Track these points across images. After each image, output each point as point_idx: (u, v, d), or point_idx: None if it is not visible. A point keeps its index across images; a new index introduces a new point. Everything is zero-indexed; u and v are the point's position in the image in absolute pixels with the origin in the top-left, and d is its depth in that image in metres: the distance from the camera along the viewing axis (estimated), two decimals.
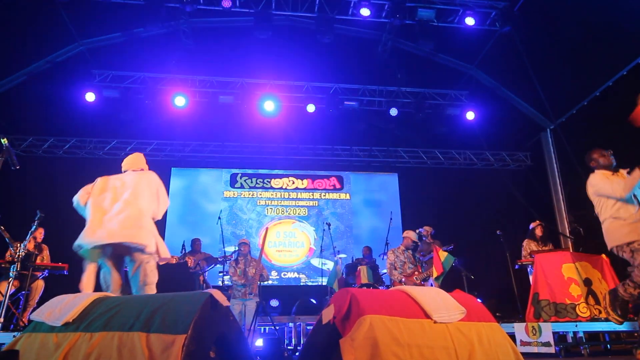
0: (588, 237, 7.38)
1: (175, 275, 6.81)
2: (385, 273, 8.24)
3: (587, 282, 5.70)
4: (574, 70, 8.90)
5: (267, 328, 7.64)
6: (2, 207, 4.87)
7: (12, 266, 4.08)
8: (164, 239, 9.70)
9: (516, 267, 7.16)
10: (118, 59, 9.57)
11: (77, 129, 9.90)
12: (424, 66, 10.36)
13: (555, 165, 10.44)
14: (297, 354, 6.73)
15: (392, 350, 1.91)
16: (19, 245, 4.32)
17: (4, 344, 3.87)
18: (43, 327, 2.28)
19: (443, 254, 6.18)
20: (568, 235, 9.09)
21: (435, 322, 2.13)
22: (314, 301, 8.57)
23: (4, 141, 3.11)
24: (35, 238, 6.26)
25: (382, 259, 8.28)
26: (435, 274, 6.14)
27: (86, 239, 3.43)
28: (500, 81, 10.39)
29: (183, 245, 7.83)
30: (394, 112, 9.98)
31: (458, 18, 8.52)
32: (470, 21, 8.39)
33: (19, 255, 4.17)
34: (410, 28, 8.62)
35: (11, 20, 7.89)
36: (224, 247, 7.97)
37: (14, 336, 4.60)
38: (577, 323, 5.26)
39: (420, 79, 10.34)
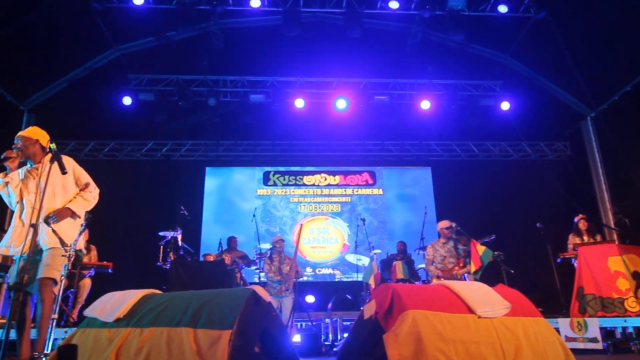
0: (635, 229, 7.09)
1: (213, 272, 6.94)
2: (421, 268, 8.16)
3: (636, 276, 5.47)
4: (615, 55, 8.52)
5: (303, 324, 7.70)
6: None
7: (65, 265, 4.25)
8: (200, 237, 10.04)
9: (558, 260, 6.96)
10: (152, 63, 9.80)
11: (115, 132, 10.22)
12: (455, 57, 10.15)
13: (597, 155, 10.04)
14: (334, 349, 6.78)
15: (437, 345, 1.89)
16: (69, 246, 4.50)
17: (57, 339, 4.04)
18: (96, 323, 2.39)
19: (481, 248, 6.03)
20: (613, 227, 8.73)
21: (479, 317, 2.10)
22: (349, 297, 8.58)
23: (53, 146, 3.25)
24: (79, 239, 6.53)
25: (418, 253, 8.20)
26: (473, 269, 6.00)
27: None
28: (536, 69, 10.05)
29: (220, 243, 7.98)
30: (425, 105, 9.84)
31: (490, 6, 8.30)
32: (503, 9, 8.17)
33: (68, 255, 4.34)
34: (440, 19, 8.45)
35: (51, 30, 8.20)
36: (259, 244, 8.09)
37: (65, 331, 4.83)
38: (626, 318, 5.07)
39: (451, 71, 10.15)
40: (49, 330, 2.90)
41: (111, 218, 8.46)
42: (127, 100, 9.48)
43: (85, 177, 3.90)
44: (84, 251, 4.38)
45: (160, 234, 7.21)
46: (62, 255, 3.22)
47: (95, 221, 5.19)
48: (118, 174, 10.05)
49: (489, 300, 2.18)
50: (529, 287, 7.74)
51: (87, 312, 2.49)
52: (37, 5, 7.72)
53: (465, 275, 6.05)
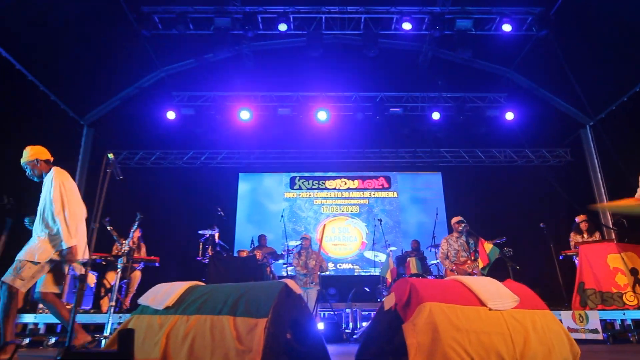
0: (632, 228, 6.85)
1: (246, 266, 7.00)
2: (433, 264, 8.07)
3: (634, 272, 5.30)
4: (612, 68, 8.30)
5: (326, 313, 7.70)
6: (109, 211, 5.24)
7: (120, 259, 4.38)
8: (234, 236, 10.15)
9: (560, 257, 6.79)
10: (192, 81, 10.01)
11: (161, 142, 10.43)
12: (463, 72, 10.04)
13: (596, 160, 9.76)
14: (354, 336, 6.75)
15: (452, 335, 1.88)
16: (124, 241, 4.65)
17: (114, 323, 4.14)
18: (148, 310, 2.45)
19: (488, 246, 5.93)
20: (612, 227, 8.46)
21: (490, 309, 2.08)
22: (367, 289, 8.54)
23: (110, 156, 3.35)
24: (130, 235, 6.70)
25: (430, 250, 8.11)
26: (481, 265, 5.91)
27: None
28: (538, 82, 9.88)
29: (252, 240, 8.05)
30: (436, 116, 9.75)
31: (495, 25, 8.18)
32: (507, 28, 8.03)
33: (124, 250, 4.47)
34: (449, 38, 8.38)
35: (107, 55, 8.48)
36: (286, 242, 8.14)
37: (120, 317, 4.95)
38: (625, 311, 4.91)
39: (459, 84, 10.04)
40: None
41: (158, 218, 8.66)
42: (170, 115, 9.69)
43: (57, 199, 3.39)
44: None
45: (200, 232, 7.30)
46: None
47: (144, 221, 5.34)
48: (163, 179, 10.27)
49: (498, 294, 2.15)
50: (533, 282, 7.56)
51: (141, 301, 2.55)
52: (95, 34, 7.99)
53: (476, 271, 5.95)
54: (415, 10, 8.10)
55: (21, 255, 3.23)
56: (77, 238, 3.33)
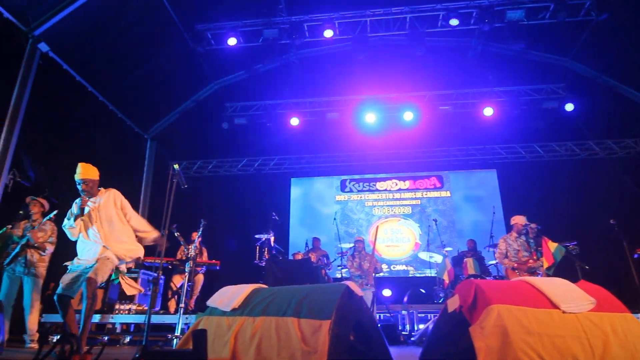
0: None
1: (301, 269, 7.06)
2: (492, 264, 7.73)
3: None
4: None
5: (382, 315, 7.60)
6: (172, 219, 5.53)
7: (187, 263, 4.61)
8: (288, 239, 10.32)
9: (635, 256, 6.25)
10: (244, 92, 10.34)
11: (216, 152, 10.85)
12: (515, 64, 9.58)
13: None
14: (412, 339, 6.61)
15: (523, 338, 1.78)
16: (190, 247, 4.89)
17: (177, 323, 4.33)
18: (216, 312, 2.55)
19: (553, 245, 5.56)
20: None
21: (563, 312, 1.95)
22: (423, 291, 8.33)
23: (176, 166, 3.53)
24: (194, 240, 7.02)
25: (488, 250, 7.78)
26: (545, 265, 5.56)
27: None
28: (601, 69, 9.17)
29: (306, 243, 8.14)
30: (488, 111, 9.36)
31: (549, 14, 7.73)
32: (562, 15, 7.56)
33: (189, 254, 4.70)
34: (499, 30, 8.03)
35: (164, 72, 8.99)
36: (340, 244, 8.14)
37: (186, 318, 5.18)
38: None
39: (513, 78, 9.59)
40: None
41: (217, 224, 8.99)
42: (225, 125, 10.05)
43: (129, 209, 3.79)
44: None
45: (256, 236, 7.45)
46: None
47: (205, 227, 5.59)
48: (220, 187, 10.68)
49: (572, 296, 2.01)
50: (606, 283, 7.03)
51: (209, 303, 2.66)
52: (155, 54, 8.50)
53: (540, 272, 5.59)
54: (462, 5, 7.86)
55: (119, 256, 3.53)
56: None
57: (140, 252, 3.66)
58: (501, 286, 2.09)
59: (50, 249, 4.78)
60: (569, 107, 9.06)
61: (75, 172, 3.62)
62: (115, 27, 7.53)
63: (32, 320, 4.61)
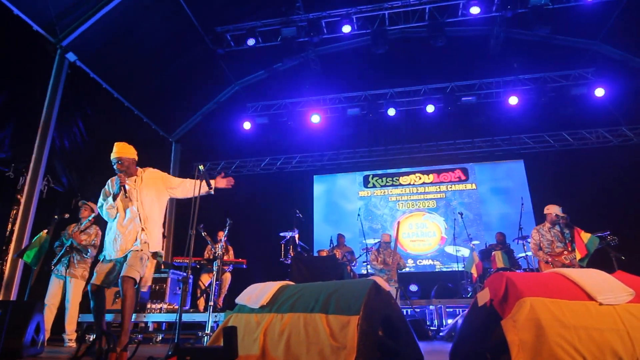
0: None
1: (326, 266, 7.08)
2: (521, 257, 7.54)
3: None
4: None
5: (408, 310, 7.54)
6: (201, 218, 5.63)
7: (215, 262, 4.69)
8: (313, 237, 10.34)
9: None
10: (264, 91, 10.42)
11: (239, 152, 10.96)
12: (541, 51, 9.29)
13: None
14: (440, 334, 6.53)
15: (558, 332, 1.73)
16: (217, 246, 4.97)
17: (207, 321, 4.40)
18: (245, 309, 2.58)
19: (586, 235, 5.33)
20: None
21: (600, 304, 1.88)
22: (450, 285, 8.21)
23: (201, 167, 3.58)
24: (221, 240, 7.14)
25: (517, 243, 7.59)
26: (578, 256, 5.35)
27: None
28: (632, 52, 8.77)
29: (331, 240, 8.15)
30: (513, 100, 9.10)
31: None
32: None
33: (217, 253, 4.78)
34: (522, 16, 7.79)
35: (186, 76, 9.16)
36: (365, 240, 8.12)
37: (215, 316, 5.27)
38: None
39: (538, 64, 9.28)
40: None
41: (242, 223, 9.07)
42: (246, 125, 10.15)
43: (173, 178, 3.72)
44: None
45: (281, 234, 7.51)
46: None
47: (231, 227, 5.67)
48: (244, 186, 10.76)
49: (609, 287, 1.93)
50: None
51: (238, 300, 2.69)
52: (176, 58, 8.66)
53: (573, 262, 5.36)
54: None
55: (150, 247, 3.37)
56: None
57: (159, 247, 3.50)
58: (533, 278, 2.03)
59: (92, 251, 4.92)
60: (599, 92, 8.71)
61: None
62: (137, 34, 7.72)
63: (71, 321, 4.78)
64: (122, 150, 3.52)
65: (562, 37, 9.05)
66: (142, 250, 3.29)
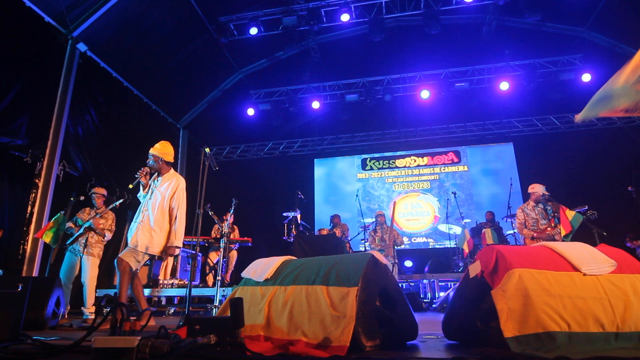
0: None
1: (327, 244, 7.12)
2: (510, 234, 7.57)
3: None
4: None
5: (403, 284, 7.61)
6: (208, 199, 5.64)
7: (222, 240, 4.71)
8: (314, 216, 10.37)
9: None
10: (267, 79, 10.30)
11: (243, 137, 10.92)
12: (531, 38, 9.13)
13: None
14: (433, 306, 6.60)
15: (544, 300, 1.74)
16: (224, 224, 4.98)
17: (215, 295, 4.45)
18: (250, 282, 2.59)
19: (570, 213, 5.34)
20: None
21: (584, 274, 1.88)
22: (442, 261, 8.27)
23: (207, 150, 3.56)
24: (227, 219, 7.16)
25: (506, 221, 7.62)
26: (563, 233, 5.36)
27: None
28: (619, 38, 8.62)
29: (331, 220, 8.17)
30: (504, 86, 9.00)
31: None
32: None
33: (223, 232, 4.79)
34: (514, 4, 7.63)
35: (192, 64, 9.03)
36: (362, 219, 8.13)
37: (223, 290, 5.32)
38: None
39: (528, 51, 9.12)
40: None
41: (247, 204, 9.11)
42: (250, 112, 10.08)
43: (175, 203, 3.56)
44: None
45: (284, 214, 7.53)
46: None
47: (237, 207, 5.68)
48: (248, 170, 10.78)
49: (593, 259, 1.94)
50: (624, 248, 6.80)
51: (244, 274, 2.70)
52: (182, 47, 8.53)
53: (557, 237, 5.37)
54: None
55: (138, 246, 3.39)
56: (180, 240, 3.57)
57: (157, 249, 3.46)
58: (522, 251, 2.03)
59: (108, 235, 4.97)
60: (586, 77, 8.60)
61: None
62: (144, 24, 7.58)
63: (89, 295, 4.84)
64: (155, 147, 3.61)
65: (551, 25, 8.89)
66: (136, 249, 3.38)
